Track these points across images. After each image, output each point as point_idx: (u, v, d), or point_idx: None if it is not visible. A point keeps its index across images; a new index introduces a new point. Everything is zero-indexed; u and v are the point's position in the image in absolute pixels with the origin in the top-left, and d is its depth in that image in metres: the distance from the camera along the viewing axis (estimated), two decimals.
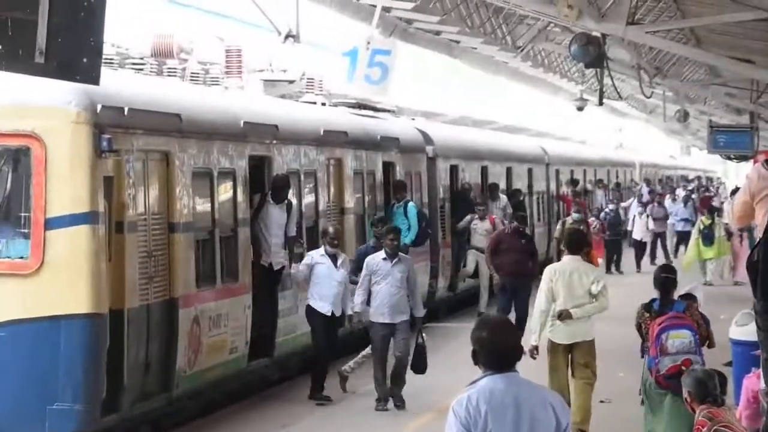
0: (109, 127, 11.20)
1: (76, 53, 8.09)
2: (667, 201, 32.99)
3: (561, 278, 11.91)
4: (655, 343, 10.11)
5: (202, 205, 13.34)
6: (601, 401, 13.15)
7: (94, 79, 8.76)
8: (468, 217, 22.19)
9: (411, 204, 19.29)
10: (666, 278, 10.61)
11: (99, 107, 11.08)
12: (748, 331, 11.46)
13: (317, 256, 14.31)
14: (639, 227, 30.94)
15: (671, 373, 9.94)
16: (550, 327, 11.92)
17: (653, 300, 10.52)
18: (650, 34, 17.42)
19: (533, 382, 5.42)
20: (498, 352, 5.31)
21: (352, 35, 20.93)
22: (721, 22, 16.30)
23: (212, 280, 13.41)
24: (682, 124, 38.06)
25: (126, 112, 11.55)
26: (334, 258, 14.24)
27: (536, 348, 11.75)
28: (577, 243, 12.46)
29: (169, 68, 16.28)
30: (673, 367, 9.97)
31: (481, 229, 21.94)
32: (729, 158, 30.39)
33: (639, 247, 30.92)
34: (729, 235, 27.59)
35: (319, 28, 29.95)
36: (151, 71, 15.45)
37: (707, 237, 27.35)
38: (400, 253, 13.83)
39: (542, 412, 5.28)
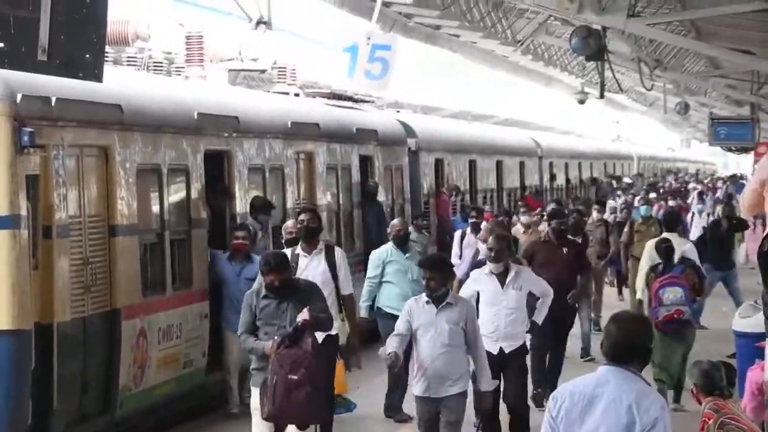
0: (33, 119, 9.95)
1: (78, 50, 7.75)
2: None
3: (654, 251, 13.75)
4: (655, 296, 12.67)
5: (149, 206, 12.11)
6: None
7: (97, 76, 8.14)
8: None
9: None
10: (667, 247, 13.23)
11: (19, 96, 9.83)
12: (751, 323, 11.87)
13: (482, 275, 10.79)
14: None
15: (666, 320, 12.54)
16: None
17: (658, 264, 13.15)
18: (650, 26, 17.52)
19: (642, 381, 5.46)
20: (614, 344, 5.48)
21: (351, 31, 20.28)
22: (721, 13, 16.21)
23: (161, 287, 12.19)
24: (683, 116, 37.34)
25: (53, 103, 10.31)
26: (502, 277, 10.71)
27: (640, 301, 13.87)
28: (674, 220, 15.45)
29: (129, 57, 15.14)
30: (668, 315, 12.55)
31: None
32: (730, 150, 30.30)
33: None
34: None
35: (306, 19, 29.02)
36: (106, 60, 14.28)
37: None
38: (455, 295, 9.53)
39: (619, 409, 5.37)
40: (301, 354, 9.02)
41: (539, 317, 11.11)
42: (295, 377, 8.94)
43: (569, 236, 14.18)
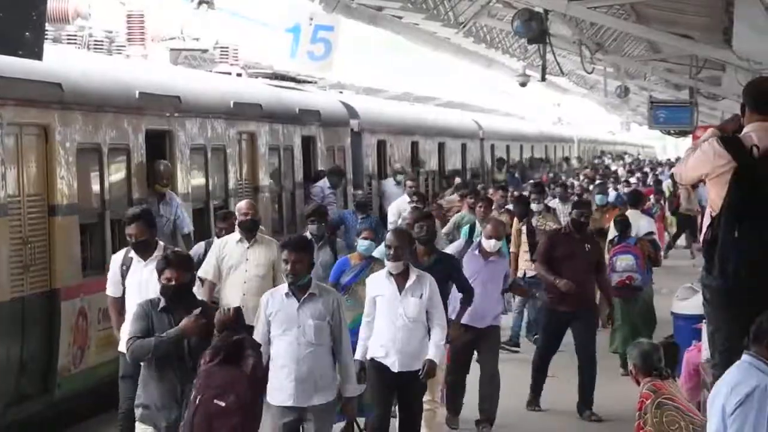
0: None
1: (18, 27, 7.62)
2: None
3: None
4: (609, 264, 13.46)
5: (90, 185, 12.02)
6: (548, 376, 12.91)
7: (37, 54, 8.02)
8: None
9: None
10: (622, 221, 14.28)
11: None
12: (689, 305, 12.02)
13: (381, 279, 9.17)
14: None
15: (619, 286, 13.33)
16: None
17: (615, 236, 14.15)
18: (591, 9, 17.43)
19: (762, 363, 5.50)
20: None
21: (294, 11, 20.19)
22: None
23: (101, 268, 12.07)
24: (622, 100, 37.61)
25: None
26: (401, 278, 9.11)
27: None
28: (637, 198, 17.08)
29: (69, 35, 14.99)
30: (620, 281, 13.37)
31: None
32: (669, 133, 30.56)
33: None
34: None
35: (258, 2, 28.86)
36: (45, 38, 14.12)
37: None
38: (319, 284, 8.12)
39: (720, 396, 5.41)
40: (236, 376, 7.16)
41: (433, 354, 8.98)
42: (222, 404, 7.14)
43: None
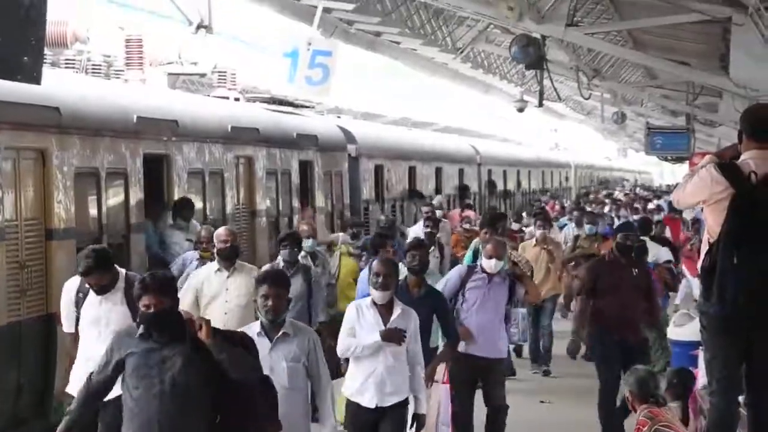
0: None
1: (16, 52, 7.55)
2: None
3: None
4: None
5: (87, 209, 12.01)
6: (542, 401, 13.06)
7: (36, 79, 8.03)
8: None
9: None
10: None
11: None
12: (686, 332, 11.96)
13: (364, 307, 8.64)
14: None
15: None
16: None
17: None
18: (589, 35, 17.61)
19: None
20: None
21: (292, 36, 20.35)
22: (658, 24, 16.42)
23: None
24: (619, 126, 37.75)
25: None
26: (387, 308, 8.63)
27: None
28: (646, 225, 16.99)
29: (67, 59, 15.03)
30: None
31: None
32: (666, 159, 30.59)
33: None
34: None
35: (246, 23, 29.00)
36: (44, 62, 14.15)
37: None
38: (293, 322, 7.50)
39: None
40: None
41: (420, 407, 8.68)
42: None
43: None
